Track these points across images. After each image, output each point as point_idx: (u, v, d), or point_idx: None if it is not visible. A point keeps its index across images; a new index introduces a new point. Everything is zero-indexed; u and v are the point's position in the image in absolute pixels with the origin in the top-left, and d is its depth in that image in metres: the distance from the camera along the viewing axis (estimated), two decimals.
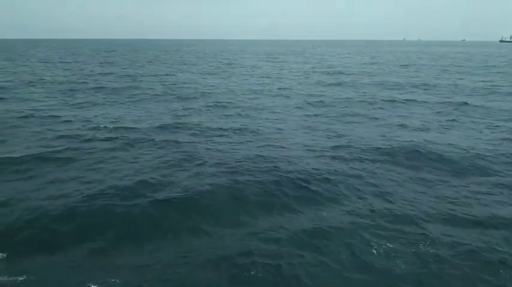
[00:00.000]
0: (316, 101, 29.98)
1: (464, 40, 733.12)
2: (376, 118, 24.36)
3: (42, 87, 36.06)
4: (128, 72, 52.91)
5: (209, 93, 33.97)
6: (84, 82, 40.53)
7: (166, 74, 50.32)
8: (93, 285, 7.85)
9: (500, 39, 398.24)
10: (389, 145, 17.69)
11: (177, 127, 21.08)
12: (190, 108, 26.83)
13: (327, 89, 37.43)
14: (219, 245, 9.49)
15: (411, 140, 18.52)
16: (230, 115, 24.79)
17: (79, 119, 22.71)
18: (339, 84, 41.66)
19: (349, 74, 52.25)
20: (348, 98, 31.80)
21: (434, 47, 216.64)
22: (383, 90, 36.73)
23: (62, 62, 70.67)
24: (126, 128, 20.69)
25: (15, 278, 8.06)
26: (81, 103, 28.45)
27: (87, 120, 22.42)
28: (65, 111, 25.08)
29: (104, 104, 28.52)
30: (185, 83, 41.68)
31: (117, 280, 8.00)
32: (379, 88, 38.45)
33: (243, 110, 26.23)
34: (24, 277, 8.13)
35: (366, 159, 15.88)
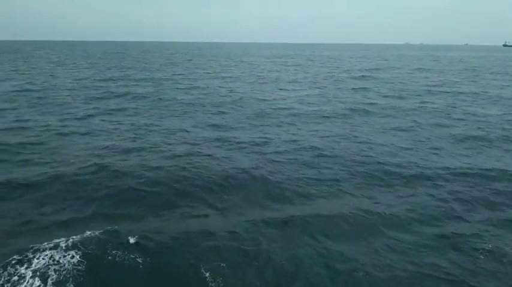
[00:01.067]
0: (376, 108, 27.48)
1: (467, 44, 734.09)
2: None
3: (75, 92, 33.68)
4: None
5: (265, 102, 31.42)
6: (108, 87, 38.12)
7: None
8: None
9: (503, 43, 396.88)
10: None
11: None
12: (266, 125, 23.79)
13: (378, 99, 34.91)
14: None
15: None
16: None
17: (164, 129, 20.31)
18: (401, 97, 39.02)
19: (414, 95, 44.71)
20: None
21: (446, 51, 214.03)
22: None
23: (75, 64, 68.38)
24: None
25: None
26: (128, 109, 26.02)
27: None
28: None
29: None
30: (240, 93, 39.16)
31: None
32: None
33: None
34: None
35: None
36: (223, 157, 15.73)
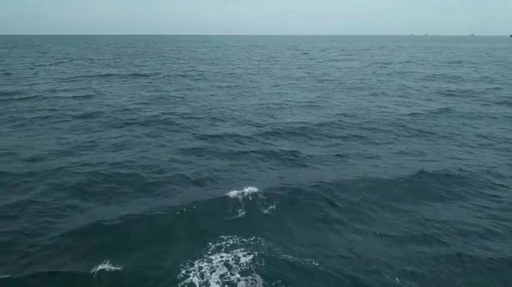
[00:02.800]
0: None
1: (473, 35, 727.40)
2: None
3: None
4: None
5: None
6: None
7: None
8: None
9: (511, 34, 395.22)
10: None
11: None
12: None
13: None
14: None
15: None
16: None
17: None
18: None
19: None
20: None
21: (461, 42, 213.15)
22: None
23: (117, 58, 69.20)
24: None
25: None
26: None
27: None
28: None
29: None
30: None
31: None
32: None
33: None
34: None
35: None
36: None
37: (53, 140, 18.65)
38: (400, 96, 32.82)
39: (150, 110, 25.82)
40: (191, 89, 35.58)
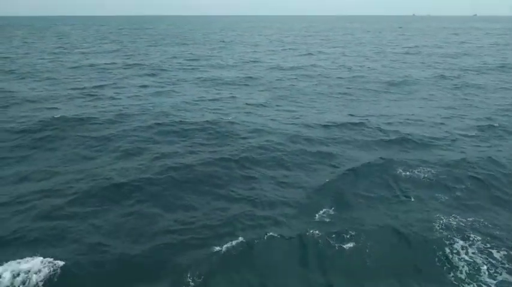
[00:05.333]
0: None
1: (475, 15, 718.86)
2: None
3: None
4: None
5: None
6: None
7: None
8: None
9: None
10: None
11: None
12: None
13: None
14: None
15: None
16: None
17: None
18: None
19: None
20: None
21: (472, 22, 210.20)
22: None
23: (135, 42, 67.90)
24: None
25: None
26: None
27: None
28: None
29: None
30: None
31: None
32: None
33: None
34: None
35: None
36: None
37: None
38: None
39: None
40: None
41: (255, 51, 57.09)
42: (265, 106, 23.57)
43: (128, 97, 25.59)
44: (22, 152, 15.38)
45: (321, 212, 11.08)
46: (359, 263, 9.06)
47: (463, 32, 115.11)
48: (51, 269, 8.40)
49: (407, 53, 54.30)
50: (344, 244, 9.52)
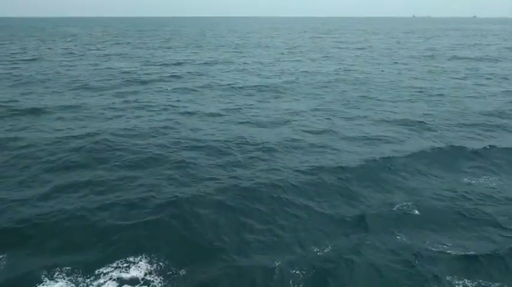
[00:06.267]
0: None
1: (475, 17, 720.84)
2: None
3: None
4: None
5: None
6: None
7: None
8: None
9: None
10: None
11: None
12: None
13: None
14: None
15: None
16: None
17: None
18: None
19: None
20: None
21: (482, 24, 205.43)
22: None
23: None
24: None
25: None
26: None
27: None
28: None
29: None
30: None
31: None
32: None
33: None
34: None
35: None
36: None
37: None
38: None
39: None
40: None
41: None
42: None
43: None
44: None
45: None
46: None
47: None
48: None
49: None
50: None
